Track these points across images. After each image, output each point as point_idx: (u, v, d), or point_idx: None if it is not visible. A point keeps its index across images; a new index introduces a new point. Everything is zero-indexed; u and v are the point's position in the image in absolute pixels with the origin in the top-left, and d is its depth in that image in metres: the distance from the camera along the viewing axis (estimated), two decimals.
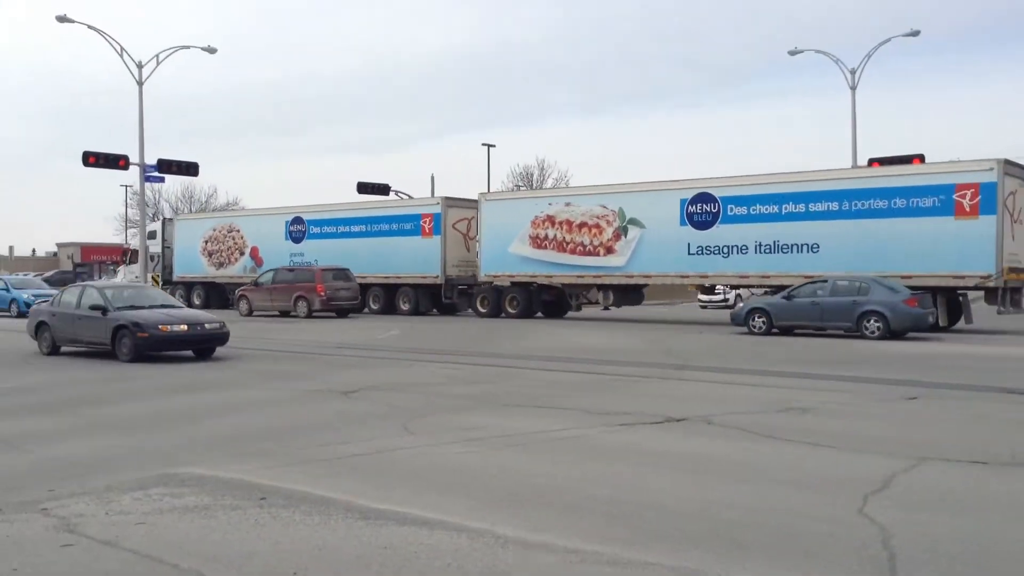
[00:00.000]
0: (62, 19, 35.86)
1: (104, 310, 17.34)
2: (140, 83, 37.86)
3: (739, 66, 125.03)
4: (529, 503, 6.44)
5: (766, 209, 27.57)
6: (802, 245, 26.76)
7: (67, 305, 18.49)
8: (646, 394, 12.48)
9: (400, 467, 7.70)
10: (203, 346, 17.82)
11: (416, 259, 35.39)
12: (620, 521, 5.95)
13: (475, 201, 35.08)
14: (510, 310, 32.80)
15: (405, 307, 35.38)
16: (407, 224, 36.18)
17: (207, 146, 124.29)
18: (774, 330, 23.60)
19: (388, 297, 35.88)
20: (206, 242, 43.24)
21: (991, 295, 24.39)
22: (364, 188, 45.95)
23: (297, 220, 40.17)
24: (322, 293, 32.86)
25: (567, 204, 32.11)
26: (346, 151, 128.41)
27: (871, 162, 32.61)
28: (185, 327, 17.12)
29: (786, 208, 27.19)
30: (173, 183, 76.10)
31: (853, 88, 37.67)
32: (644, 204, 30.36)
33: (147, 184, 41.62)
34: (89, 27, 36.49)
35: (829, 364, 16.25)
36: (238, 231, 42.69)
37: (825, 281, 23.83)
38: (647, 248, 29.91)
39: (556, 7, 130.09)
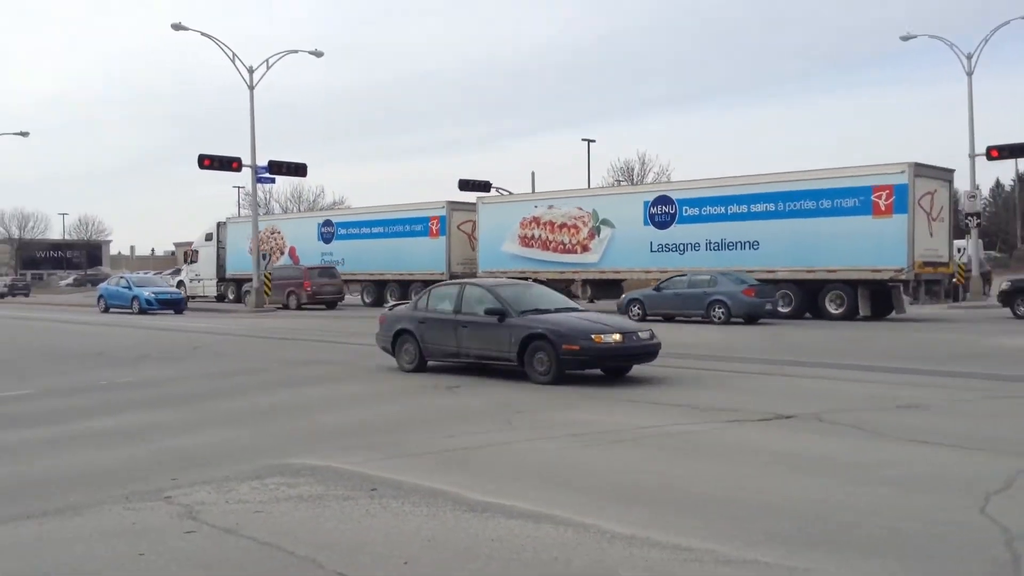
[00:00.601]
0: (177, 27, 37.30)
1: (502, 315, 13.63)
2: (251, 87, 39.06)
3: (847, 53, 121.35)
4: (636, 499, 6.41)
5: (715, 210, 30.49)
6: (745, 242, 29.51)
7: (439, 310, 14.67)
8: (748, 389, 12.26)
9: (506, 461, 7.77)
10: (634, 362, 13.68)
11: (425, 258, 38.88)
12: (730, 519, 5.86)
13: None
14: None
15: None
16: (417, 226, 39.74)
17: (314, 147, 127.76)
18: (648, 317, 26.70)
19: (402, 293, 38.38)
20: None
21: (905, 287, 26.69)
22: (465, 185, 46.37)
23: (327, 223, 44.38)
24: (308, 288, 37.97)
25: (550, 207, 35.50)
26: (449, 149, 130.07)
27: (990, 150, 31.44)
28: (619, 337, 13.04)
29: (731, 209, 29.95)
30: (283, 183, 78.75)
31: (969, 74, 36.08)
32: (614, 206, 33.78)
33: (258, 185, 42.91)
34: (202, 34, 37.86)
35: (918, 359, 15.60)
36: (279, 233, 46.88)
37: (685, 275, 27.77)
38: (617, 246, 33.10)
39: None
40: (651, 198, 32.48)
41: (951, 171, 28.90)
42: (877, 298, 27.09)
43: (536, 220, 35.74)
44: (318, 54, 40.48)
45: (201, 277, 48.26)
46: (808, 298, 27.72)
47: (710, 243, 30.50)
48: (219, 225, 49.84)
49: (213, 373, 15.26)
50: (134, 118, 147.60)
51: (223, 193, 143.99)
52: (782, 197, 28.77)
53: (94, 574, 4.93)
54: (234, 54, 38.48)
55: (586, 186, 49.94)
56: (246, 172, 40.17)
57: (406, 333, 14.97)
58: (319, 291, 37.83)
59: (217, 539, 5.56)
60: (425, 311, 14.92)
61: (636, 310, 27.36)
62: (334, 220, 44.50)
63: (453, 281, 17.78)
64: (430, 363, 14.79)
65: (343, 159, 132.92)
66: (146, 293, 37.08)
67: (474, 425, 9.57)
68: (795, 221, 28.23)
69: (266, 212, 69.74)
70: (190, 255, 50.67)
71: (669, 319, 26.77)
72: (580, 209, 34.55)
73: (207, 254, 48.86)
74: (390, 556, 5.17)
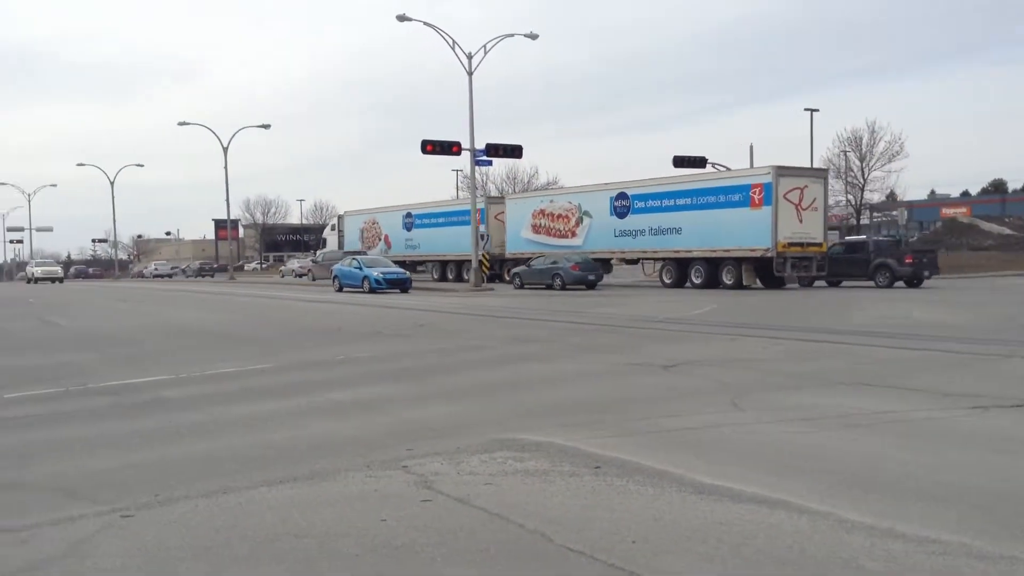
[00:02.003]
0: (402, 18, 38.92)
1: None
2: (470, 73, 40.15)
3: None
4: (875, 487, 6.07)
5: (654, 203, 38.96)
6: (672, 228, 38.11)
7: None
8: (999, 374, 11.34)
9: (731, 443, 7.59)
10: None
11: (470, 242, 46.34)
12: (981, 512, 5.45)
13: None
14: None
15: (466, 277, 46.57)
16: (465, 216, 47.46)
17: (528, 128, 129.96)
18: (525, 286, 38.50)
19: (458, 270, 50.28)
20: (361, 231, 59.65)
21: (771, 263, 34.36)
22: (681, 162, 45.66)
23: (408, 215, 55.76)
24: None
25: (551, 201, 45.26)
26: (663, 125, 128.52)
27: None
28: None
29: (664, 203, 38.50)
30: (498, 165, 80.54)
31: None
32: (592, 200, 42.46)
33: (476, 168, 44.21)
34: (425, 24, 39.31)
35: None
36: (378, 223, 58.43)
37: (545, 255, 39.19)
38: (593, 232, 42.16)
39: None
40: (615, 194, 41.03)
41: (824, 170, 38.47)
42: (764, 273, 35.18)
43: (542, 212, 44.90)
44: (533, 36, 41.02)
45: None
46: (714, 272, 36.12)
47: (651, 229, 38.90)
48: (339, 217, 61.83)
49: (438, 349, 15.86)
50: (364, 106, 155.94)
51: (443, 176, 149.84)
52: (695, 193, 36.93)
53: (343, 535, 5.25)
54: (454, 41, 39.71)
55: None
56: (465, 155, 41.45)
57: None
58: None
59: (451, 508, 5.78)
60: None
61: (517, 281, 39.69)
62: (413, 212, 55.50)
63: None
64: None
65: (556, 138, 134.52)
66: (375, 273, 39.17)
67: (694, 405, 9.42)
68: (703, 212, 36.56)
69: (483, 194, 71.66)
70: (321, 242, 63.62)
71: (550, 287, 37.18)
72: (570, 203, 43.62)
73: (332, 241, 61.45)
74: (617, 533, 5.18)
